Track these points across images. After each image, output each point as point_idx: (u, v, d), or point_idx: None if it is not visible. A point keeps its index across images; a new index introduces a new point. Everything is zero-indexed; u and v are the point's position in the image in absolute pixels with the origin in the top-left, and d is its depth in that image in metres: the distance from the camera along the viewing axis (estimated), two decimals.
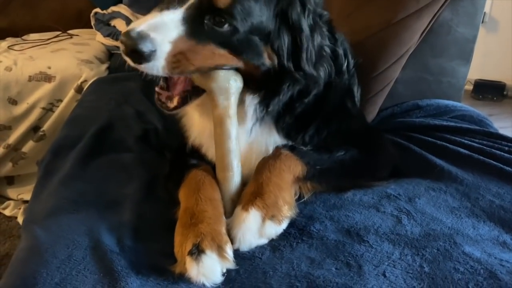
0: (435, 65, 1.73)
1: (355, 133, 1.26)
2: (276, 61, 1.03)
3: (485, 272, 0.90)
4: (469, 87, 4.15)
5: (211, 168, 1.10)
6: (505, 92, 4.22)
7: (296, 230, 1.02)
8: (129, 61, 0.91)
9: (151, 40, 0.87)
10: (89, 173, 1.30)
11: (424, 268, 0.92)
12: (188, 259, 0.87)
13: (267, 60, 1.02)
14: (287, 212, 1.01)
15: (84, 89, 2.19)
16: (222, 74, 0.98)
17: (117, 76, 2.19)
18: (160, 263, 0.93)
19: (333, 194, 1.16)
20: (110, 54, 2.66)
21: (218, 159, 1.04)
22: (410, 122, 1.62)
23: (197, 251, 0.88)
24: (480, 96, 4.16)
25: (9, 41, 2.68)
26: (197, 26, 0.93)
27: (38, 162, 1.48)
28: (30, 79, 2.27)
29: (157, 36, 0.88)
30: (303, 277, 0.89)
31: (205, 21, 0.94)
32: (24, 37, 2.78)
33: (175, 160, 1.26)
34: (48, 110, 2.31)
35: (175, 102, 1.01)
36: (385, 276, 0.89)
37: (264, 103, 1.07)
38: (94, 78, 2.23)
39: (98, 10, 2.72)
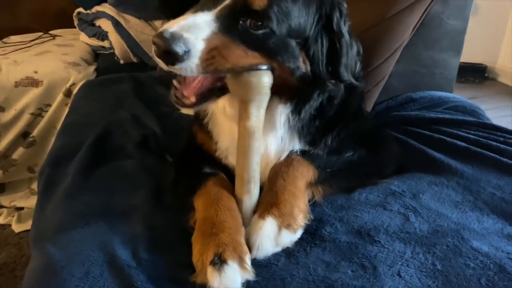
0: (427, 58, 1.76)
1: (365, 134, 1.27)
2: (309, 67, 1.01)
3: (495, 266, 0.93)
4: None
5: (226, 176, 1.10)
6: (486, 74, 4.32)
7: (308, 235, 1.03)
8: (161, 63, 0.89)
9: (184, 41, 0.85)
10: (93, 184, 1.27)
11: (437, 265, 0.94)
12: (209, 269, 0.87)
13: (302, 64, 1.00)
14: (302, 221, 1.01)
15: (74, 93, 2.14)
16: (258, 84, 0.95)
17: (107, 78, 2.13)
18: (178, 274, 0.93)
19: (339, 195, 1.17)
20: (96, 55, 2.62)
21: (241, 171, 1.01)
22: (405, 115, 1.64)
23: (219, 261, 0.88)
24: (463, 79, 4.22)
25: None
26: (231, 26, 0.91)
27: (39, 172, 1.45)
28: (17, 84, 2.22)
29: (190, 36, 0.86)
30: (321, 282, 0.90)
31: (240, 23, 0.92)
32: (5, 39, 2.71)
33: (182, 165, 1.24)
34: (37, 115, 2.27)
35: (192, 99, 0.97)
36: (400, 276, 0.91)
37: (297, 111, 1.06)
38: (83, 81, 2.19)
39: (81, 10, 2.66)
